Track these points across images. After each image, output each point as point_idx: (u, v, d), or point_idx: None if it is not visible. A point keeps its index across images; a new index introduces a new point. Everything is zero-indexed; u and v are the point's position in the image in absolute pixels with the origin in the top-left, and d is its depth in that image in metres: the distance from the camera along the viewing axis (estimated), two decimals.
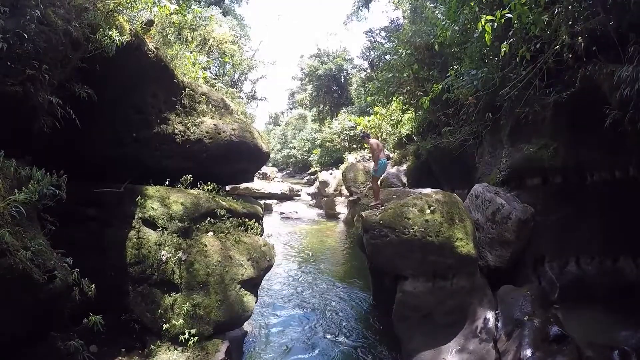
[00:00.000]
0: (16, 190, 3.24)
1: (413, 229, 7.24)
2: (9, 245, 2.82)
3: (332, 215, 24.95)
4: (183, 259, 6.44)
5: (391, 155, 21.70)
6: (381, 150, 9.04)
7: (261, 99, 34.07)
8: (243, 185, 17.10)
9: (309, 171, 43.24)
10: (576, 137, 7.51)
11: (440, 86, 10.55)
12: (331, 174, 27.01)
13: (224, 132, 8.12)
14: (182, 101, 7.90)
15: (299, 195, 34.00)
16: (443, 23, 9.95)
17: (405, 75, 14.98)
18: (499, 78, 8.39)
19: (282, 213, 26.20)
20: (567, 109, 7.48)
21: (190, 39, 13.63)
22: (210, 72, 20.46)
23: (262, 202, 16.28)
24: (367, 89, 23.92)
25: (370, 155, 9.93)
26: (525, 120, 8.17)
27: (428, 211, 7.51)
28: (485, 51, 9.24)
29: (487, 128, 9.71)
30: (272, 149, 53.97)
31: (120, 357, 5.71)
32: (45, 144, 4.25)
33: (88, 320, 3.80)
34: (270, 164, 56.18)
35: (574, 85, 7.18)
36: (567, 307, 7.08)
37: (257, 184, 30.23)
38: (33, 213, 3.57)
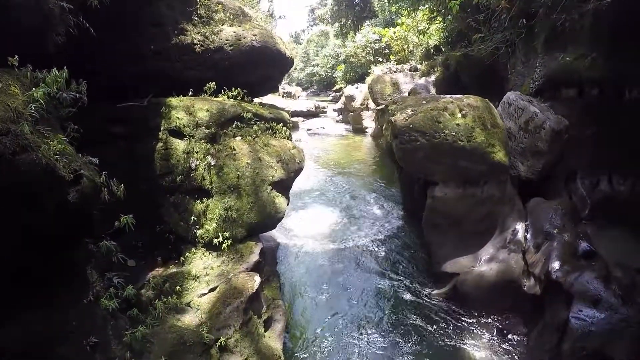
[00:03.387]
0: (34, 88, 3.12)
1: (444, 132, 6.99)
2: (30, 141, 2.75)
3: (359, 130, 24.79)
4: (212, 164, 6.41)
5: (419, 66, 20.99)
6: None
7: (280, 18, 32.69)
8: (268, 103, 16.88)
9: (334, 88, 42.39)
10: (616, 48, 6.86)
11: None
12: (357, 88, 26.47)
13: (244, 38, 7.81)
14: (198, 11, 7.63)
15: (325, 112, 33.72)
16: None
17: None
18: None
19: (309, 129, 26.13)
20: (607, 18, 6.85)
21: None
22: None
23: None
24: None
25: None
26: (561, 28, 7.59)
27: (459, 115, 7.20)
28: None
29: (521, 36, 9.14)
30: (295, 68, 52.53)
31: (157, 268, 5.88)
32: (64, 62, 4.05)
33: (119, 222, 3.81)
34: (294, 84, 55.10)
35: None
36: (597, 225, 6.90)
37: (282, 102, 29.93)
38: (56, 122, 3.47)
